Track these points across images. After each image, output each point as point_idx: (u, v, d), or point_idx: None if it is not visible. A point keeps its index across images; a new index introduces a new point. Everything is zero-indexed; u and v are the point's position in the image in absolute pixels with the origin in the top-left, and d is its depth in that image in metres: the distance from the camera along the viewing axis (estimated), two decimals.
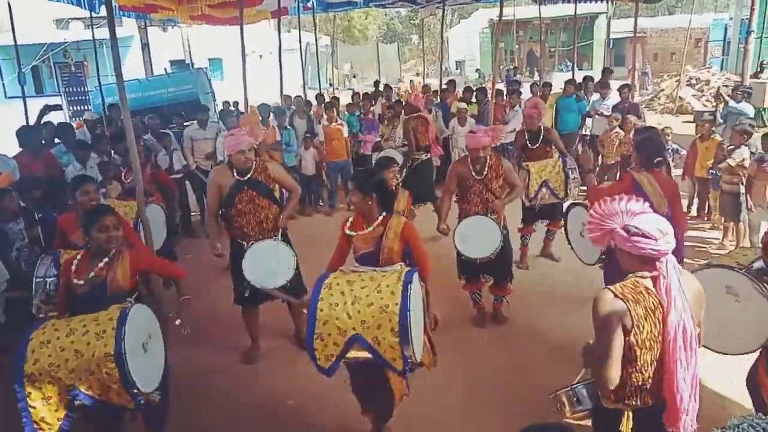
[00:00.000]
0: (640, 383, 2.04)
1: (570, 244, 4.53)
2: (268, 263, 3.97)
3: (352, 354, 2.63)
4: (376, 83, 14.91)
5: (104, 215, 2.92)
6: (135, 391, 2.52)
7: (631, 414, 2.11)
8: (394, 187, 4.31)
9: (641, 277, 2.01)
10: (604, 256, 4.12)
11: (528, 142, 5.81)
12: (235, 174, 4.03)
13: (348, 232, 3.15)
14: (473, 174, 4.46)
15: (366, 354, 2.62)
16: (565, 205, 4.90)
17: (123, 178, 5.55)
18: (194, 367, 4.25)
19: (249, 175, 4.05)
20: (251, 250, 4.00)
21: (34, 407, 2.46)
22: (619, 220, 2.02)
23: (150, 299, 3.27)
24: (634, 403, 2.07)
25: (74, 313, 2.82)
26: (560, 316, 4.76)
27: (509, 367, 4.09)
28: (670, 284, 1.94)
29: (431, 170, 7.43)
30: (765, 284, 2.60)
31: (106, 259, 2.93)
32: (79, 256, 2.97)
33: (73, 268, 2.91)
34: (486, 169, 4.44)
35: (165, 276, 3.35)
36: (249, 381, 4.17)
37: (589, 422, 2.36)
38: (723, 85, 10.18)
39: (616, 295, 1.97)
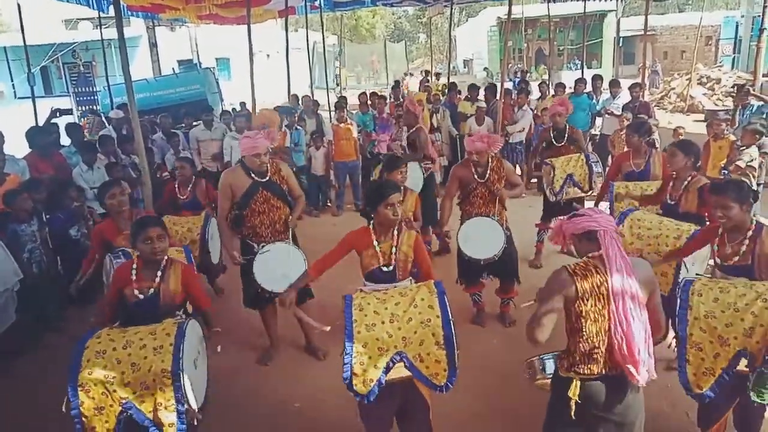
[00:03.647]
0: (586, 352, 2.26)
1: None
2: (280, 267, 3.93)
3: (392, 375, 2.55)
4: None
5: (148, 227, 2.90)
6: (186, 407, 2.49)
7: (578, 382, 2.30)
8: (402, 188, 4.28)
9: (592, 257, 2.27)
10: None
11: (553, 140, 5.88)
12: (252, 175, 4.01)
13: (376, 246, 3.03)
14: (476, 177, 4.45)
15: (405, 373, 2.55)
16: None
17: (177, 193, 5.37)
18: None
19: (268, 177, 4.05)
20: (262, 253, 3.97)
21: (86, 417, 2.45)
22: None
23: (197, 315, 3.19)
24: (582, 371, 2.29)
25: (124, 323, 2.83)
26: None
27: (518, 370, 4.03)
28: (609, 248, 2.21)
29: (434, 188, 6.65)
30: None
31: (159, 272, 2.94)
32: (134, 266, 2.95)
33: (133, 277, 2.91)
34: (488, 171, 4.43)
35: (195, 302, 3.18)
36: (256, 383, 4.15)
37: None
38: (750, 86, 9.92)
39: (568, 271, 2.26)
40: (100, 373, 2.47)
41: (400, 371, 2.56)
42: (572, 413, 2.31)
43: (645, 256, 3.60)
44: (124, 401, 2.47)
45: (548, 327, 2.26)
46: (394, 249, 3.04)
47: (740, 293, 2.62)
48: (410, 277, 3.10)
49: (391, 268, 3.04)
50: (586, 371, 2.29)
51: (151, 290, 2.91)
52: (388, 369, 2.53)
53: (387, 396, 2.61)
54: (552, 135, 5.92)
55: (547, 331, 2.27)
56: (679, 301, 2.73)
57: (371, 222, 3.07)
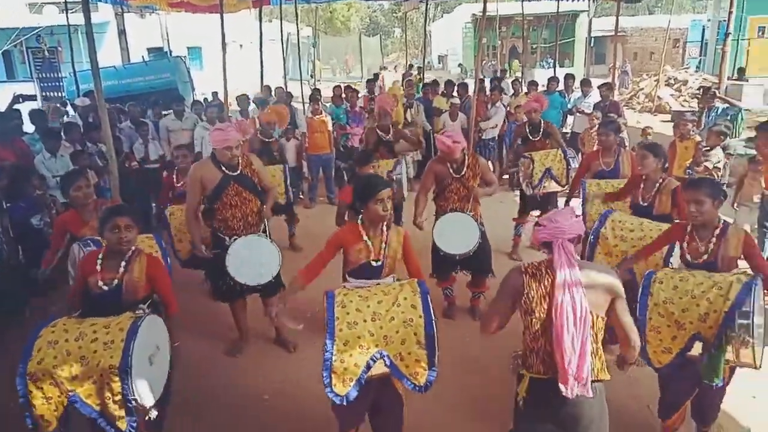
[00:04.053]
0: (534, 350, 2.32)
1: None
2: (254, 260, 3.89)
3: (371, 372, 2.54)
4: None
5: (117, 215, 2.84)
6: (133, 403, 2.45)
7: (527, 379, 2.36)
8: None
9: (549, 259, 2.34)
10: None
11: (529, 135, 5.98)
12: (223, 169, 3.94)
13: (366, 240, 2.93)
14: (451, 172, 4.47)
15: (384, 369, 2.55)
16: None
17: (174, 182, 5.30)
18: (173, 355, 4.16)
19: (239, 171, 3.97)
20: (235, 247, 3.89)
21: (34, 405, 2.42)
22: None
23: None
24: (532, 370, 2.34)
25: (86, 311, 2.76)
26: None
27: (487, 364, 4.08)
28: (555, 260, 2.28)
29: None
30: None
31: (123, 262, 2.86)
32: (101, 255, 2.87)
33: (98, 267, 2.84)
34: (464, 168, 4.46)
35: (162, 299, 3.07)
36: (226, 375, 4.11)
37: None
38: (716, 88, 10.14)
39: (520, 270, 2.38)
40: (49, 363, 2.44)
41: (379, 368, 2.56)
42: (521, 409, 2.38)
43: (630, 259, 3.60)
44: (70, 393, 2.44)
45: (495, 319, 2.42)
46: (384, 245, 2.97)
47: (698, 282, 2.76)
48: (393, 275, 3.06)
49: (380, 263, 2.97)
50: (534, 370, 2.32)
51: (115, 281, 2.84)
52: (368, 367, 2.52)
53: (362, 391, 2.59)
54: (528, 130, 6.02)
55: (493, 322, 2.42)
56: (641, 288, 2.84)
57: (360, 218, 2.99)
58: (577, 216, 2.37)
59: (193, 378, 4.03)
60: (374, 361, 2.53)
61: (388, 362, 2.53)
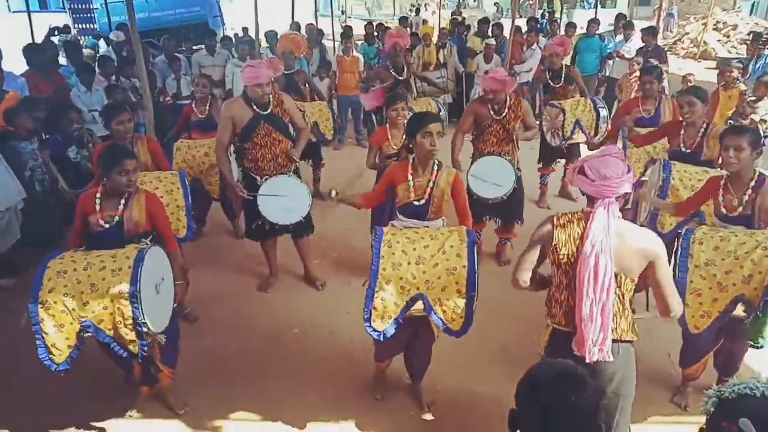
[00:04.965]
0: (558, 301, 2.28)
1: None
2: (284, 200, 3.96)
3: (411, 311, 2.64)
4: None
5: (126, 158, 2.89)
6: (145, 330, 2.57)
7: (550, 329, 2.34)
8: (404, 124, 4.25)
9: (584, 211, 2.23)
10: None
11: (550, 81, 5.78)
12: (254, 107, 3.94)
13: (410, 181, 3.02)
14: (492, 114, 4.39)
15: (423, 312, 2.64)
16: None
17: (193, 111, 5.25)
18: (207, 290, 4.33)
19: (270, 110, 3.98)
20: (266, 186, 3.97)
21: (47, 333, 2.52)
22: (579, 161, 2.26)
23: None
24: (555, 321, 2.31)
25: (89, 248, 2.85)
26: None
27: (511, 309, 4.13)
28: (593, 220, 2.11)
29: None
30: None
31: (123, 200, 2.93)
32: (99, 195, 2.94)
33: (97, 207, 2.91)
34: (505, 109, 4.37)
35: (161, 237, 3.09)
36: (257, 308, 4.29)
37: None
38: (767, 33, 9.47)
39: (551, 220, 2.28)
40: (60, 291, 2.53)
41: (418, 308, 2.65)
42: (543, 357, 2.31)
43: (703, 208, 3.41)
44: (83, 320, 2.55)
45: (527, 270, 2.33)
46: (431, 183, 3.03)
47: (741, 241, 2.70)
48: (443, 218, 3.11)
49: (422, 202, 3.04)
50: (557, 321, 2.29)
51: (116, 219, 2.92)
52: (407, 308, 2.61)
53: (400, 327, 2.69)
54: (548, 76, 5.81)
55: (525, 274, 2.33)
56: (680, 249, 2.78)
57: (412, 156, 3.05)
58: (629, 170, 2.15)
59: (227, 309, 4.23)
60: (413, 302, 2.61)
61: (426, 305, 2.61)
